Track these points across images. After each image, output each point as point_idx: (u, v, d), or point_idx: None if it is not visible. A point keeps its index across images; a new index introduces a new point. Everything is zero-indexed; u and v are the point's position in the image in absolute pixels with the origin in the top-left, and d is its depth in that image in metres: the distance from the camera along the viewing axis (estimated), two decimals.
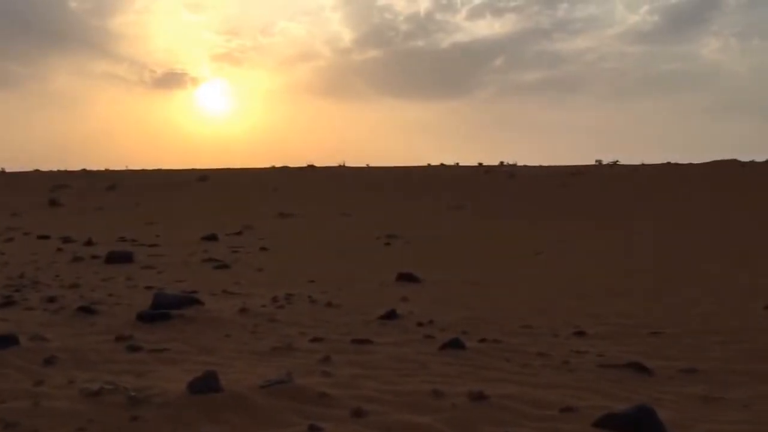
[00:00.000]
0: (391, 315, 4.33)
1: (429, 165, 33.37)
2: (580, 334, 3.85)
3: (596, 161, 35.11)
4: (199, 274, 6.55)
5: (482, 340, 3.67)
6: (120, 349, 3.41)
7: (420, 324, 4.10)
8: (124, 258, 7.61)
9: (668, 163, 33.07)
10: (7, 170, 34.64)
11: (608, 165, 33.82)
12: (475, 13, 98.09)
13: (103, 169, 34.37)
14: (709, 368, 3.11)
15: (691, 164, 31.32)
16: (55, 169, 34.28)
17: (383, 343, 3.62)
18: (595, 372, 3.07)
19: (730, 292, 5.21)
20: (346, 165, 34.86)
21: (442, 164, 33.66)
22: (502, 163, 35.28)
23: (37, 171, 34.11)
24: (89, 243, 9.80)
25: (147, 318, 4.08)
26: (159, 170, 34.37)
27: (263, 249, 8.99)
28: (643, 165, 32.79)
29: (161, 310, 4.22)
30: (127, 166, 35.08)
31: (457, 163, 35.57)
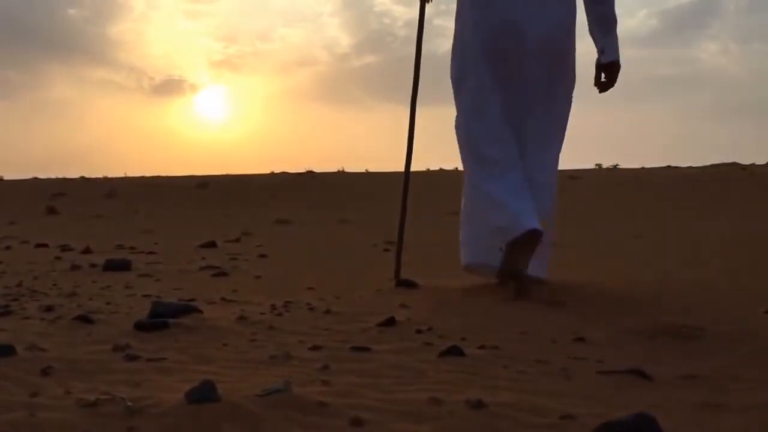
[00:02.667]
0: (389, 322, 4.30)
1: (428, 170, 33.35)
2: (579, 339, 3.83)
3: (596, 165, 35.16)
4: (198, 281, 6.52)
5: (481, 347, 3.65)
6: (117, 359, 3.39)
7: (419, 331, 4.08)
8: (122, 266, 7.56)
9: (668, 167, 33.09)
10: (5, 178, 34.65)
11: (608, 169, 33.86)
12: None
13: (101, 176, 34.31)
14: (710, 374, 3.09)
15: (691, 167, 31.36)
16: (53, 176, 34.25)
17: (382, 350, 3.60)
18: (595, 379, 3.05)
19: (731, 297, 5.19)
20: (345, 170, 34.86)
21: (441, 169, 33.64)
22: None
23: (35, 178, 34.07)
24: (87, 251, 9.76)
25: (145, 327, 4.06)
26: (158, 177, 34.33)
27: (262, 256, 8.95)
28: (643, 168, 32.80)
29: (159, 318, 4.20)
30: (125, 173, 35.07)
31: (456, 168, 35.54)
